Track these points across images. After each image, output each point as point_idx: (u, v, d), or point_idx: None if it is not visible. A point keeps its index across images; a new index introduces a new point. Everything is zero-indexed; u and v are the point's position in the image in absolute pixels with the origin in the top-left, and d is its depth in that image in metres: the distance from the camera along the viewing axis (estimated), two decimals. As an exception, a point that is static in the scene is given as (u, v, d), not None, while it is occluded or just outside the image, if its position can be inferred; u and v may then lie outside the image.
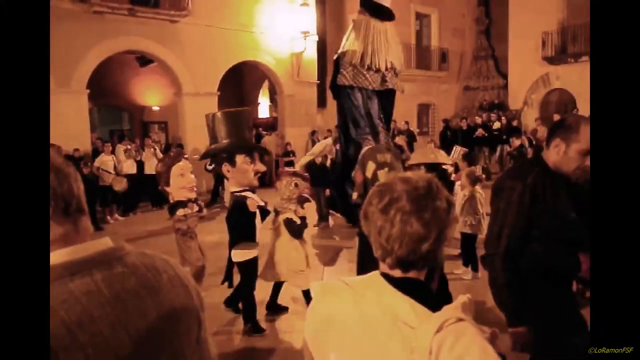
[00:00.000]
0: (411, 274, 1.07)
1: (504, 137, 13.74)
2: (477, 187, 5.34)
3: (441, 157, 5.19)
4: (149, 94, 15.27)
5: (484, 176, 7.72)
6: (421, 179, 1.07)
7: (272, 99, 17.21)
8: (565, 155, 2.01)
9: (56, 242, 0.82)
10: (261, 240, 3.90)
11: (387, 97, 4.93)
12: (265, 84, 16.80)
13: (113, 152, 9.95)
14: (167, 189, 3.71)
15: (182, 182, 3.68)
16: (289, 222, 4.22)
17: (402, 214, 1.02)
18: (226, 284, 4.21)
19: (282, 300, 4.56)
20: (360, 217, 1.13)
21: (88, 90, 10.79)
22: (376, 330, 1.01)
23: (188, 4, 11.68)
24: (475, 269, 5.33)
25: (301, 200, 4.33)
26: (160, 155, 10.83)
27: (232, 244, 3.80)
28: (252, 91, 17.64)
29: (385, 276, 1.08)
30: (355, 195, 4.35)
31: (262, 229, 3.91)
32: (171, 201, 3.74)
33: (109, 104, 15.16)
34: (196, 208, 3.81)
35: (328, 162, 8.48)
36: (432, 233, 1.02)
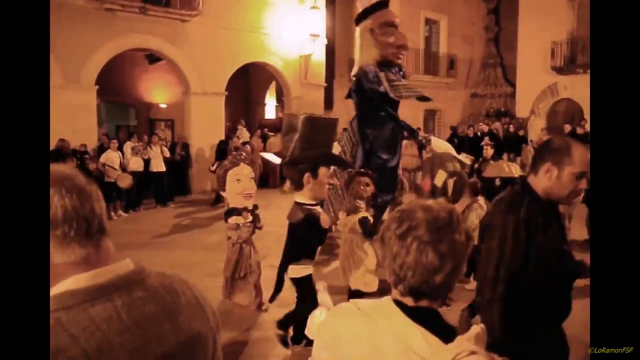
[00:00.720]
0: (423, 303, 1.06)
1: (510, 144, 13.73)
2: (480, 198, 5.33)
3: (516, 170, 5.12)
4: (157, 91, 15.31)
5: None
6: (443, 209, 1.05)
7: (279, 100, 17.21)
8: (558, 180, 1.86)
9: (78, 265, 0.83)
10: None
11: None
12: (273, 85, 16.81)
13: (119, 148, 9.98)
14: (223, 193, 3.61)
15: (238, 189, 3.56)
16: (363, 221, 4.07)
17: (419, 243, 1.01)
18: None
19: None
20: (377, 240, 1.12)
21: (97, 87, 10.84)
22: (387, 358, 1.01)
23: (199, 4, 11.70)
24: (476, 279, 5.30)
25: (367, 202, 4.24)
26: (168, 153, 10.90)
27: (290, 259, 3.48)
28: (259, 92, 17.65)
29: (398, 303, 1.07)
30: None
31: None
32: (227, 207, 3.63)
33: (116, 100, 15.19)
34: (250, 218, 3.62)
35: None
36: (447, 266, 1.01)
